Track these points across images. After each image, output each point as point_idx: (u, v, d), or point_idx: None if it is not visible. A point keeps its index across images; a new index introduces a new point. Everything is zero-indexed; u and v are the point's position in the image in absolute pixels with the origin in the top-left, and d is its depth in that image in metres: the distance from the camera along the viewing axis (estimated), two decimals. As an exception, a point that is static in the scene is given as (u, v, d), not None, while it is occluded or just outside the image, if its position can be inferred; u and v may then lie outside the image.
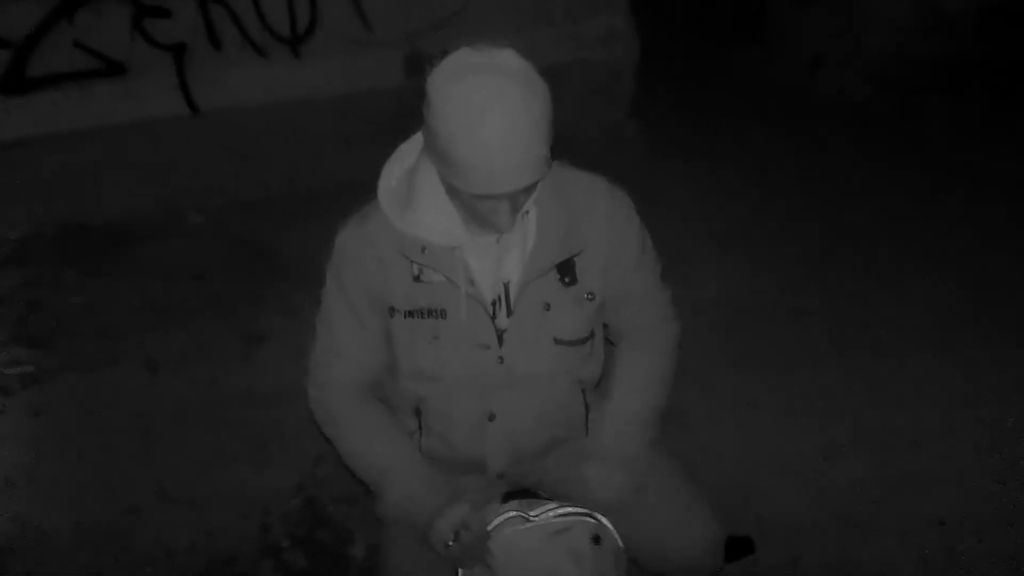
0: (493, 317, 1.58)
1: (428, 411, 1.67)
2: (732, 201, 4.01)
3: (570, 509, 1.58)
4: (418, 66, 4.08)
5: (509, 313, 1.57)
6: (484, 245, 1.53)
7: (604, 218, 1.60)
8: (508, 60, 1.34)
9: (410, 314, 1.57)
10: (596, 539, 1.57)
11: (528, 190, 1.41)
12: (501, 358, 1.59)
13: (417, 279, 1.55)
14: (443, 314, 1.55)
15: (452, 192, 1.44)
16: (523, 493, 1.66)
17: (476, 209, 1.42)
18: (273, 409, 2.78)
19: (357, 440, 1.67)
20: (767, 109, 4.94)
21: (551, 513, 1.57)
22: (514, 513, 1.56)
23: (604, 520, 1.60)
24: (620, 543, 1.60)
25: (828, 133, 4.63)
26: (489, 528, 1.54)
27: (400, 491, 1.61)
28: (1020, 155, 4.31)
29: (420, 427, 1.70)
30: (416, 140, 1.55)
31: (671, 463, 1.76)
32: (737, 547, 1.99)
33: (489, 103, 1.29)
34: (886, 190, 4.07)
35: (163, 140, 3.90)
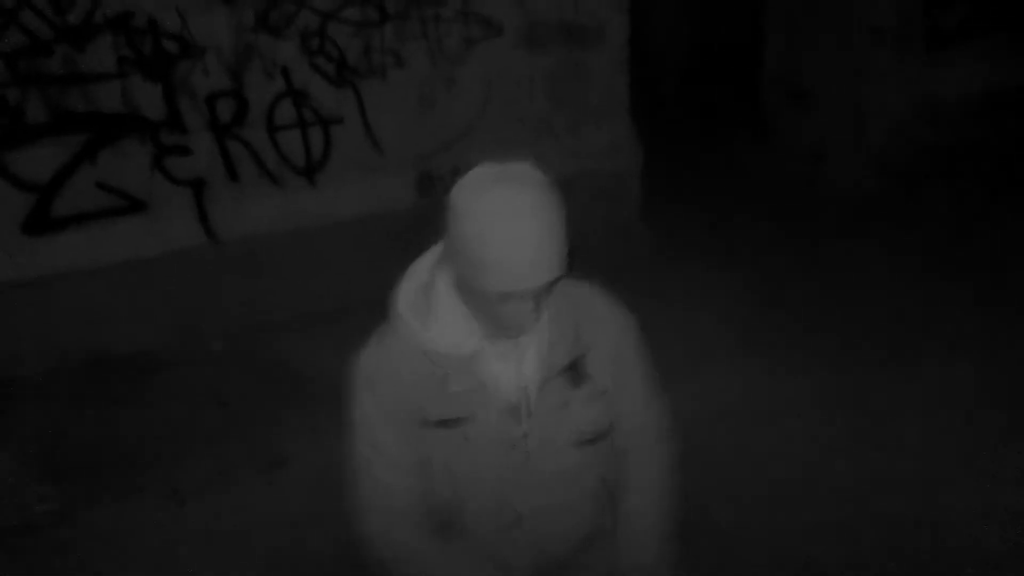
0: (515, 420, 1.62)
1: (457, 516, 1.68)
2: (744, 300, 4.03)
3: None
4: (429, 186, 4.21)
5: (529, 414, 1.62)
6: (502, 352, 1.59)
7: (605, 317, 1.69)
8: (526, 171, 1.46)
9: (440, 423, 1.60)
10: None
11: (550, 288, 1.49)
12: (526, 458, 1.62)
13: (442, 388, 1.59)
14: (470, 421, 1.60)
15: (473, 298, 1.50)
16: None
17: (500, 312, 1.49)
18: (293, 532, 2.77)
19: (438, 568, 1.67)
20: (773, 205, 5.02)
21: None
22: None
23: None
24: None
25: (835, 224, 4.68)
26: None
27: None
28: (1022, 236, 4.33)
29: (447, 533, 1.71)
30: (427, 258, 1.62)
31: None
32: None
33: (515, 209, 1.40)
34: (897, 278, 4.09)
35: (184, 270, 4.00)
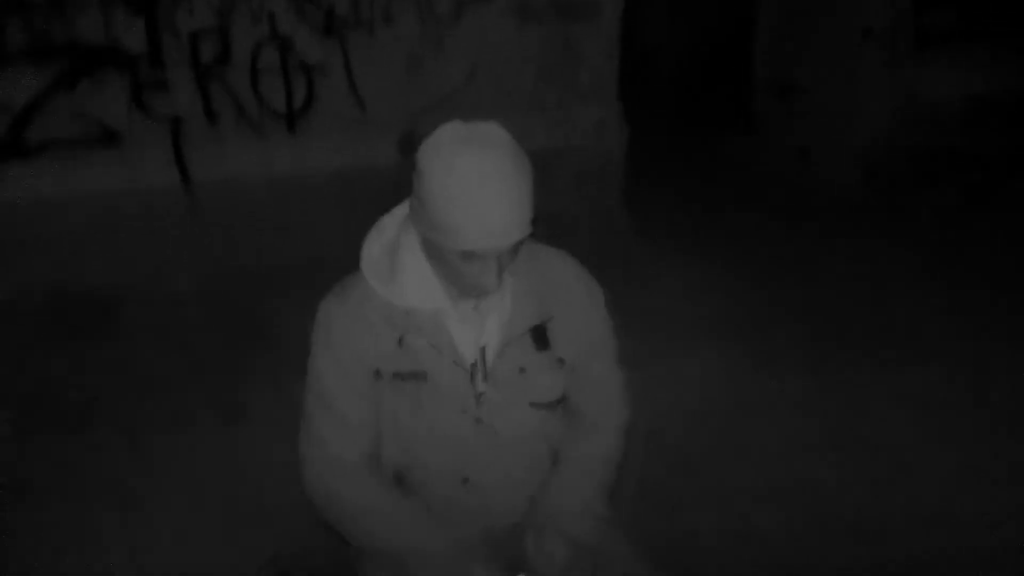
0: (472, 381, 1.62)
1: (406, 475, 1.69)
2: (723, 290, 4.04)
3: None
4: (411, 146, 4.17)
5: (486, 377, 1.62)
6: (464, 312, 1.59)
7: (574, 287, 1.70)
8: (495, 132, 1.47)
9: (394, 377, 1.61)
10: None
11: (514, 250, 1.49)
12: (478, 419, 1.63)
13: (400, 343, 1.59)
14: (424, 377, 1.60)
15: (438, 257, 1.51)
16: None
17: (464, 272, 1.49)
18: (253, 481, 2.75)
19: (373, 518, 1.65)
20: (756, 198, 5.03)
21: None
22: None
23: None
24: None
25: (817, 222, 4.70)
26: None
27: (429, 564, 1.60)
28: (1003, 242, 4.39)
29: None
30: (396, 214, 1.63)
31: (633, 551, 1.76)
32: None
33: (484, 167, 1.40)
34: (876, 278, 4.12)
35: (156, 209, 3.95)
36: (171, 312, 3.90)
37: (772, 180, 5.24)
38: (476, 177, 1.40)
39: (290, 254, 4.19)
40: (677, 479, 2.83)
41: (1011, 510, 2.66)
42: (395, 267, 1.58)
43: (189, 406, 3.23)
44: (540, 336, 1.64)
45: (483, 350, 1.63)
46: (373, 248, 1.62)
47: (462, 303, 1.58)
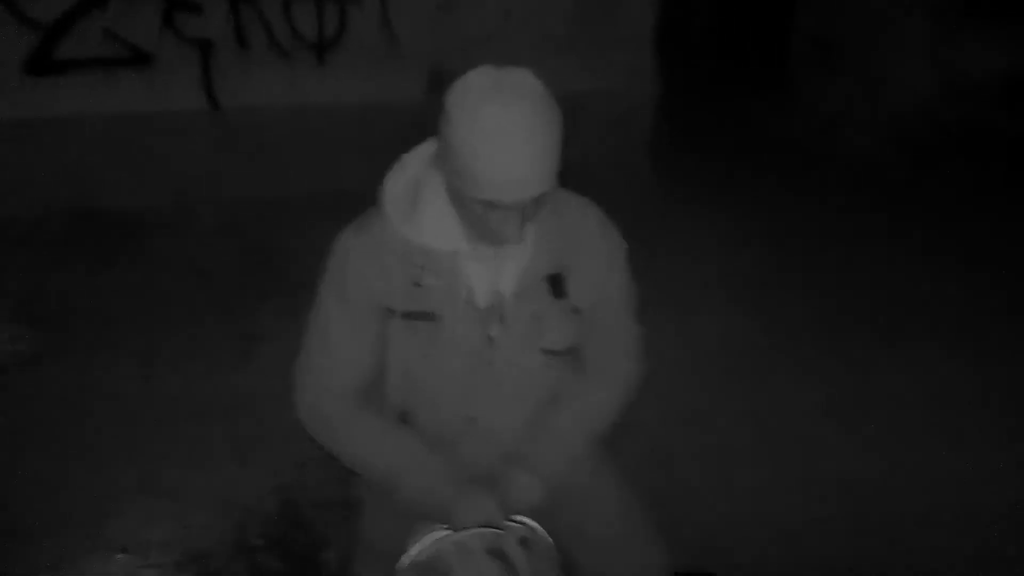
0: (484, 324, 1.61)
1: (412, 413, 1.69)
2: (741, 250, 4.01)
3: (498, 520, 1.57)
4: (440, 84, 4.12)
5: (500, 321, 1.61)
6: (483, 255, 1.57)
7: (596, 237, 1.67)
8: (527, 80, 1.42)
9: (406, 316, 1.59)
10: (523, 541, 1.57)
11: (538, 201, 1.46)
12: (489, 362, 1.62)
13: (416, 284, 1.58)
14: (438, 318, 1.59)
15: (461, 203, 1.48)
16: None
17: (486, 220, 1.47)
18: (262, 411, 2.78)
19: (362, 443, 1.66)
20: (783, 161, 4.95)
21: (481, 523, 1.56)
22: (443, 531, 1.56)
23: (531, 522, 1.60)
24: (550, 540, 1.60)
25: (842, 191, 4.63)
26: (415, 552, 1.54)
27: (417, 486, 1.61)
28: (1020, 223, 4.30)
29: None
30: (421, 151, 1.60)
31: (620, 489, 1.80)
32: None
33: (512, 117, 1.37)
34: (894, 253, 4.06)
35: (181, 133, 3.94)
36: (192, 238, 3.92)
37: (802, 143, 5.15)
38: (503, 127, 1.37)
39: (312, 185, 4.17)
40: (673, 431, 2.83)
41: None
42: (416, 205, 1.56)
43: (204, 333, 3.26)
44: (557, 284, 1.62)
45: (498, 294, 1.61)
46: (395, 185, 1.59)
47: (481, 246, 1.56)
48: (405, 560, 1.54)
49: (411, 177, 1.58)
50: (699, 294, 3.63)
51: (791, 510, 2.58)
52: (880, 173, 4.84)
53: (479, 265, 1.58)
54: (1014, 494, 2.65)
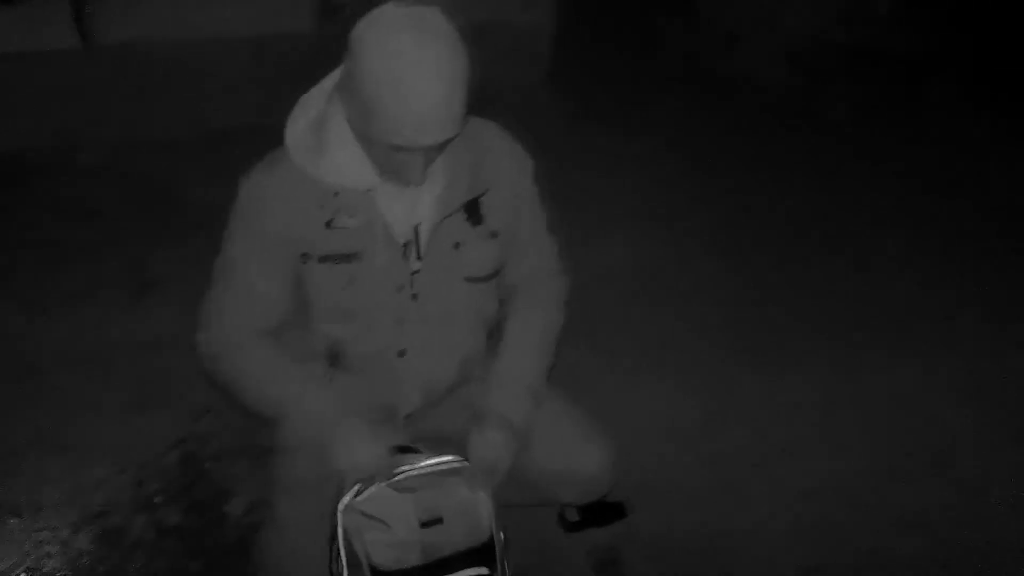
0: (405, 258, 1.60)
1: (341, 352, 1.68)
2: (644, 171, 4.05)
3: (451, 457, 1.59)
4: (331, 12, 3.98)
5: (420, 254, 1.61)
6: (396, 189, 1.55)
7: (505, 157, 1.68)
8: (435, 19, 1.38)
9: (324, 259, 1.58)
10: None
11: (443, 146, 1.45)
12: (415, 296, 1.63)
13: (329, 224, 1.55)
14: (357, 257, 1.57)
15: (366, 141, 1.46)
16: (403, 449, 1.66)
17: (390, 161, 1.46)
18: (158, 358, 2.71)
19: (255, 373, 1.63)
20: (684, 83, 4.98)
21: (421, 465, 1.56)
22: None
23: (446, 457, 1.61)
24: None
25: (740, 111, 4.69)
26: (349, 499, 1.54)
27: (304, 415, 1.59)
28: (921, 141, 4.44)
29: (331, 370, 1.72)
30: (322, 88, 1.55)
31: (556, 391, 1.83)
32: (609, 512, 2.03)
33: (418, 60, 1.33)
34: (789, 170, 4.16)
35: (57, 72, 3.72)
36: (78, 180, 3.74)
37: (702, 66, 5.17)
38: (410, 69, 1.33)
39: (204, 123, 4.02)
40: (582, 353, 2.84)
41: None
42: (322, 144, 1.51)
43: (97, 279, 3.14)
44: (474, 210, 1.63)
45: (416, 227, 1.60)
46: (298, 123, 1.54)
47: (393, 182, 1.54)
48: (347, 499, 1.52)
49: (315, 115, 1.53)
50: (604, 215, 3.66)
51: (695, 424, 2.66)
52: (775, 92, 4.92)
53: (394, 200, 1.56)
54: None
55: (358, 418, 1.58)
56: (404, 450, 1.64)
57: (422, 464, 1.56)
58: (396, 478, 1.54)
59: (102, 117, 3.88)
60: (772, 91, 4.92)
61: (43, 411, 2.55)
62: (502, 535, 1.64)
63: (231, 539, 2.20)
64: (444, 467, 1.57)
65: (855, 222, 3.76)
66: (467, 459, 1.61)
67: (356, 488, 1.53)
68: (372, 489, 1.53)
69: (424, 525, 1.54)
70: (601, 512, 1.99)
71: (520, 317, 1.79)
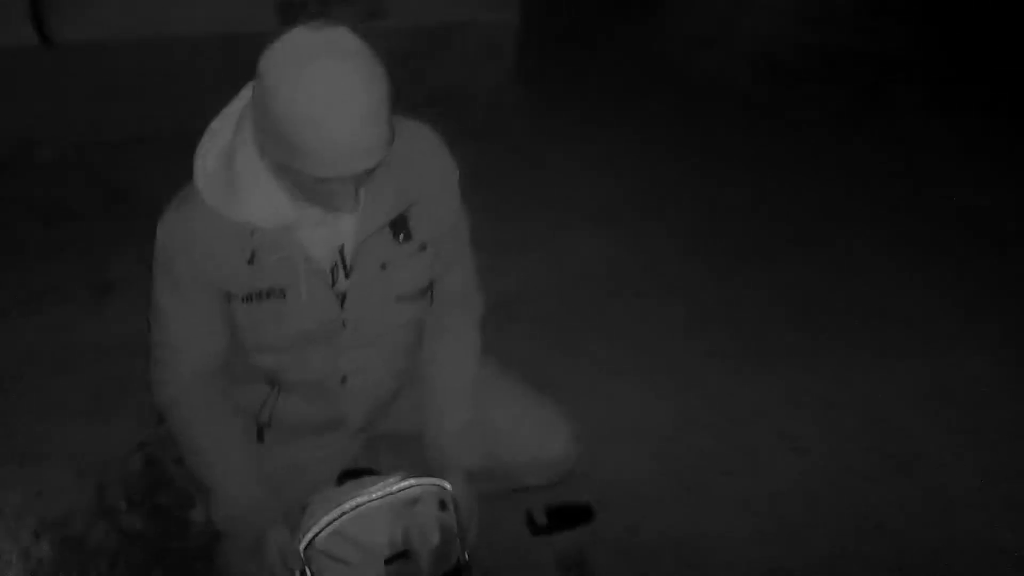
0: (333, 283, 1.57)
1: (281, 381, 1.67)
2: (612, 173, 4.05)
3: (411, 481, 1.55)
4: (292, 12, 3.94)
5: (347, 275, 1.57)
6: (317, 216, 1.49)
7: (431, 167, 1.62)
8: (347, 42, 1.30)
9: (248, 299, 1.54)
10: (443, 504, 1.57)
11: (373, 169, 1.39)
12: (344, 322, 1.59)
13: (251, 261, 1.50)
14: (282, 292, 1.54)
15: (288, 172, 1.38)
16: (360, 472, 1.64)
17: (317, 192, 1.40)
18: (119, 362, 2.67)
19: (189, 441, 1.65)
20: (651, 85, 4.99)
21: (391, 488, 1.54)
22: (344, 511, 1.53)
23: (445, 484, 1.60)
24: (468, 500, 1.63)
25: (708, 113, 4.71)
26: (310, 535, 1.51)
27: (233, 504, 1.60)
28: (888, 144, 4.49)
29: (274, 394, 1.71)
30: (228, 114, 1.48)
31: (513, 377, 1.87)
32: (576, 514, 2.04)
33: (335, 89, 1.26)
34: (759, 173, 4.18)
35: (13, 71, 3.64)
36: (36, 180, 3.66)
37: (669, 68, 5.20)
38: (329, 103, 1.25)
39: (169, 123, 3.91)
40: (545, 355, 2.87)
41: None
42: (233, 181, 1.43)
43: (54, 282, 3.08)
44: (400, 226, 1.57)
45: (341, 249, 1.55)
46: (207, 158, 1.47)
47: (311, 209, 1.47)
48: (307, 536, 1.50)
49: (223, 146, 1.46)
50: (573, 214, 3.67)
51: (663, 426, 2.68)
52: (742, 95, 4.95)
53: (315, 227, 1.50)
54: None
55: (272, 514, 1.56)
56: (358, 473, 1.62)
57: (375, 496, 1.51)
58: (346, 515, 1.50)
59: (64, 116, 3.81)
60: (740, 91, 4.95)
61: (2, 416, 2.50)
62: (467, 556, 1.63)
63: (194, 545, 2.17)
64: (402, 494, 1.53)
65: (825, 223, 3.80)
66: (425, 473, 1.59)
67: (315, 531, 1.50)
68: (333, 527, 1.50)
69: (390, 561, 1.51)
70: (568, 515, 1.99)
71: (447, 352, 1.77)
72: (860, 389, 2.88)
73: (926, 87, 5.12)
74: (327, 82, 1.25)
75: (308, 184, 1.37)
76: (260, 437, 1.75)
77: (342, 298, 1.57)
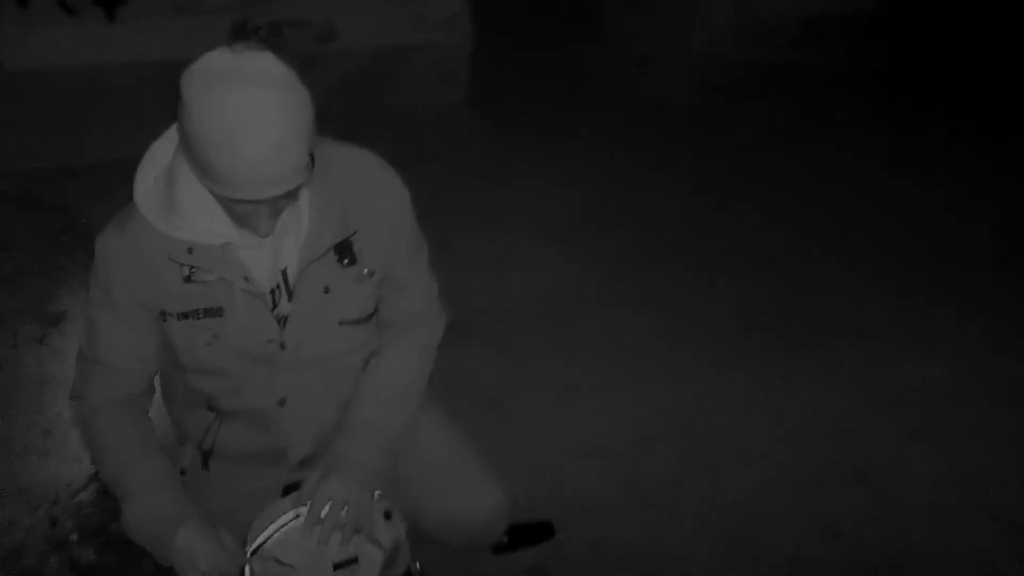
0: (274, 307, 1.55)
1: (219, 405, 1.64)
2: (562, 192, 4.08)
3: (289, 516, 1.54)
4: (244, 37, 3.93)
5: (290, 299, 1.55)
6: (253, 236, 1.47)
7: (379, 193, 1.60)
8: (267, 66, 1.29)
9: (184, 316, 1.52)
10: (388, 514, 1.58)
11: (289, 195, 1.38)
12: (283, 344, 1.57)
13: (188, 279, 1.50)
14: (219, 312, 1.52)
15: (210, 194, 1.39)
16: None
17: (235, 213, 1.40)
18: (67, 396, 2.61)
19: (111, 452, 1.58)
20: (598, 105, 5.05)
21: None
22: (288, 519, 1.52)
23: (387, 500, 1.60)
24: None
25: (653, 132, 4.77)
26: (257, 543, 1.50)
27: (143, 508, 1.53)
28: (827, 157, 4.59)
29: (216, 421, 1.67)
30: (170, 137, 1.48)
31: (454, 431, 1.81)
32: (537, 532, 2.03)
33: (248, 115, 1.25)
34: (711, 188, 4.24)
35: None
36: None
37: (614, 88, 5.27)
38: (239, 127, 1.25)
39: (117, 151, 3.86)
40: (502, 372, 2.90)
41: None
42: (172, 198, 1.43)
43: (5, 313, 3.03)
44: (345, 251, 1.56)
45: (284, 272, 1.54)
46: (147, 177, 1.47)
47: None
48: (254, 544, 1.49)
49: (164, 166, 1.46)
50: (527, 233, 3.69)
51: (623, 441, 2.69)
52: (685, 113, 5.02)
53: (255, 248, 1.49)
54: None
55: (195, 523, 1.49)
56: (301, 486, 1.61)
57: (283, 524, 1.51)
58: (293, 522, 1.50)
59: (11, 144, 3.75)
60: (681, 111, 5.03)
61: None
62: (418, 565, 1.62)
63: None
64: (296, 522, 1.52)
65: (777, 235, 3.86)
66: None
67: (264, 536, 1.49)
68: (282, 533, 1.50)
69: (338, 566, 1.50)
70: (530, 532, 1.99)
71: (384, 367, 1.72)
72: (816, 399, 2.92)
73: (869, 99, 5.26)
74: (238, 107, 1.25)
75: (225, 204, 1.38)
76: (205, 465, 1.72)
77: (283, 321, 1.56)
